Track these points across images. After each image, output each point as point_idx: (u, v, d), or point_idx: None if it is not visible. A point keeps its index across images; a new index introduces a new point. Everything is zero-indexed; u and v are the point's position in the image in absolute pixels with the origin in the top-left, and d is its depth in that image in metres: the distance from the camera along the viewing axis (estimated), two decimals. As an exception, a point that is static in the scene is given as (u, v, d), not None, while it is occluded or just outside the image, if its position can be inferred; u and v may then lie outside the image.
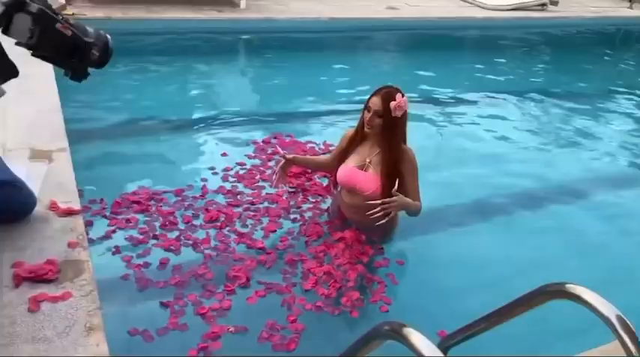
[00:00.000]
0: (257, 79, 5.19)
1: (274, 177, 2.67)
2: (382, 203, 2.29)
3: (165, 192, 2.76)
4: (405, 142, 2.48)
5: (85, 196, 2.48)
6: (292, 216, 2.76)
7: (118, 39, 6.08)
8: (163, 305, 1.98)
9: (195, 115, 3.85)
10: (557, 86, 5.55)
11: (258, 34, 6.03)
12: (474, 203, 3.12)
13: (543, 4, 8.07)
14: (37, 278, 1.70)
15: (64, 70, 1.74)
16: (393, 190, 2.29)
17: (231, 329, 1.89)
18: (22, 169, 2.22)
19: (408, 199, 2.38)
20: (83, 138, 3.11)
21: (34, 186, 2.16)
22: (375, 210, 2.29)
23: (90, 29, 1.73)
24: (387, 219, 2.33)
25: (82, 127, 3.29)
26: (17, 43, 1.57)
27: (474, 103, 4.83)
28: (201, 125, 3.67)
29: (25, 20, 1.53)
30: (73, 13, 5.09)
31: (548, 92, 5.30)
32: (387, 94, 2.34)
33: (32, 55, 1.64)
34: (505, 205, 3.12)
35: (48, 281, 1.70)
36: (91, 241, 2.15)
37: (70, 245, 1.89)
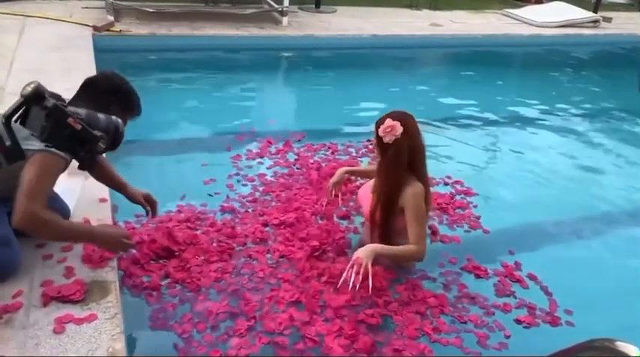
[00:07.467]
0: (297, 95, 5.17)
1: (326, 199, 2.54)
2: (351, 267, 2.00)
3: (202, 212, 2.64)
4: (418, 173, 2.19)
5: (120, 211, 2.47)
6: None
7: (163, 55, 6.15)
8: (175, 348, 1.82)
9: (235, 131, 3.82)
10: (609, 105, 5.30)
11: (299, 50, 6.02)
12: (538, 230, 2.95)
13: (596, 21, 7.78)
14: (64, 299, 1.68)
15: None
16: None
17: None
18: (58, 185, 2.23)
19: (379, 248, 2.07)
20: (123, 153, 3.11)
21: (69, 202, 2.17)
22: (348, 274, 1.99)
23: (102, 117, 1.76)
24: (361, 276, 1.97)
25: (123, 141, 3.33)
26: (31, 134, 1.62)
27: (520, 122, 4.66)
28: (241, 141, 3.64)
29: (40, 116, 1.58)
30: (120, 30, 5.23)
31: (598, 111, 5.07)
32: (380, 119, 2.17)
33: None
34: (576, 230, 2.97)
35: (74, 302, 1.68)
36: (124, 263, 2.11)
37: (100, 265, 1.87)
